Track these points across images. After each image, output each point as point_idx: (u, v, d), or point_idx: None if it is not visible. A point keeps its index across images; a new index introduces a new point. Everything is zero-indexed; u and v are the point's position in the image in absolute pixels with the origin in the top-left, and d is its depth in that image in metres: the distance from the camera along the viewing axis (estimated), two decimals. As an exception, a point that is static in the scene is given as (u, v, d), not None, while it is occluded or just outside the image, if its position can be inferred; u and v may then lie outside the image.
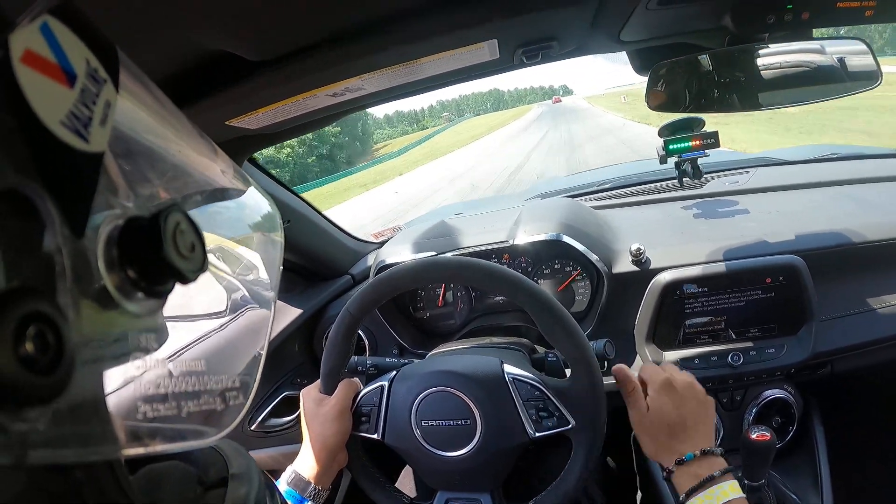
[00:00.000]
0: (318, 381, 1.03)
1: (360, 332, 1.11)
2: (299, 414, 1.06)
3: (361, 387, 1.03)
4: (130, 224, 0.29)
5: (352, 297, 0.98)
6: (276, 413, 1.46)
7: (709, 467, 0.84)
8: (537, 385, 0.94)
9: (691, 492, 0.83)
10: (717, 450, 0.87)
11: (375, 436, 0.99)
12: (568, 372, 0.96)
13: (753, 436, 1.11)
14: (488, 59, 0.91)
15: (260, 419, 1.42)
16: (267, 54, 0.78)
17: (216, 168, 0.42)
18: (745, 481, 1.18)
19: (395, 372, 1.02)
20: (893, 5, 0.87)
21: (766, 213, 1.45)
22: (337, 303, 1.59)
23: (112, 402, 0.28)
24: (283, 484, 0.95)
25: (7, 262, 0.22)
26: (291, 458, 1.44)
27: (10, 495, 0.23)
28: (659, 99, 1.01)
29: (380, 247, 1.77)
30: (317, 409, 0.99)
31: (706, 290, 1.25)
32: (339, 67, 0.82)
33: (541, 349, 1.17)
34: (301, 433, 1.02)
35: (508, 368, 0.96)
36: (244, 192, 0.48)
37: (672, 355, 1.27)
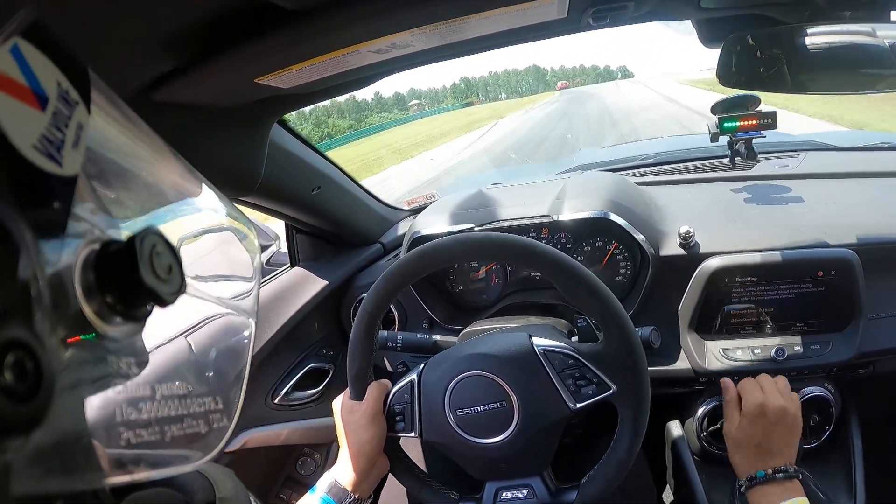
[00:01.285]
0: (348, 389, 0.99)
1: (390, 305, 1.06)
2: (323, 389, 1.02)
3: (391, 386, 0.99)
4: (106, 248, 0.29)
5: (367, 294, 0.95)
6: (300, 386, 1.41)
7: (781, 493, 0.92)
8: (570, 353, 0.91)
9: None
10: (791, 468, 0.93)
11: (412, 434, 0.96)
12: (601, 336, 0.92)
13: None
14: (553, 19, 0.83)
15: (284, 392, 1.38)
16: (306, 2, 0.69)
17: (191, 188, 0.42)
18: None
19: (422, 365, 0.98)
20: None
21: (819, 201, 1.38)
22: (366, 273, 1.55)
23: (94, 429, 0.28)
24: (320, 492, 0.92)
25: None
26: (315, 432, 1.40)
27: None
28: (729, 73, 0.93)
29: (411, 214, 1.73)
30: (349, 416, 0.97)
31: (755, 279, 1.19)
32: (387, 20, 0.73)
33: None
34: (326, 406, 1.01)
35: (538, 341, 0.92)
36: (222, 210, 0.47)
37: (713, 345, 1.22)
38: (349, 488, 0.92)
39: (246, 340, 0.47)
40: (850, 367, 1.24)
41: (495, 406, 0.90)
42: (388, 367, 1.41)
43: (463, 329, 1.17)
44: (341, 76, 0.92)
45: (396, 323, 1.43)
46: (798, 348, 1.18)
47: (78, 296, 0.27)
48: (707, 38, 0.99)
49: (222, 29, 0.70)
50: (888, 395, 1.57)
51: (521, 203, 1.38)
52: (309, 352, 1.46)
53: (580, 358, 0.89)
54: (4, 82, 0.24)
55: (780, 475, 0.93)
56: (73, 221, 0.27)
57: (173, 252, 0.31)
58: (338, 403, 1.01)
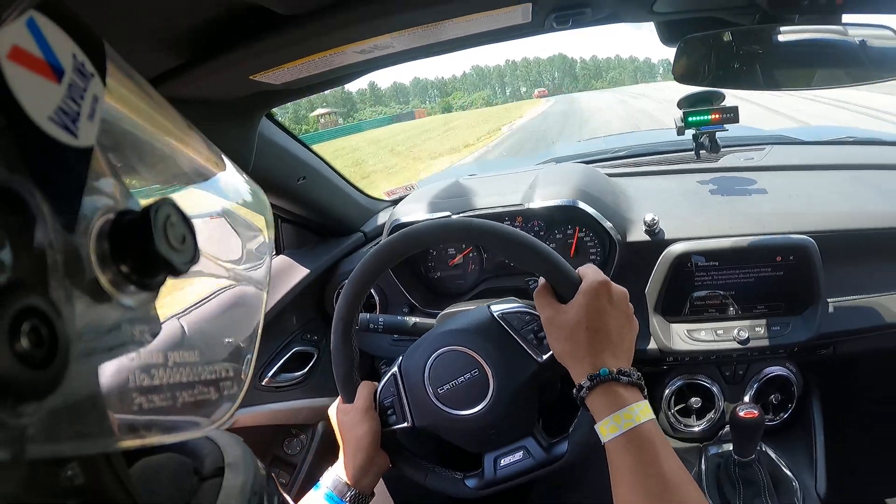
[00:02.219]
0: (340, 395, 1.03)
1: (371, 290, 1.12)
2: (308, 371, 1.05)
3: (377, 384, 1.04)
4: (121, 218, 0.29)
5: (339, 301, 0.98)
6: (286, 368, 1.48)
7: (628, 396, 0.75)
8: (525, 311, 0.96)
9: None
10: (635, 373, 0.77)
11: (406, 424, 1.00)
12: None
13: (742, 413, 1.16)
14: (519, 23, 0.91)
15: (271, 374, 1.45)
16: (298, 8, 0.77)
17: (206, 159, 0.43)
18: (735, 456, 1.24)
19: (400, 357, 1.03)
20: None
21: (780, 191, 1.46)
22: (348, 259, 1.61)
23: (107, 394, 0.28)
24: (323, 488, 0.95)
25: None
26: (301, 413, 1.47)
27: (10, 490, 0.24)
28: (685, 71, 1.01)
29: (392, 205, 1.79)
30: (344, 417, 1.00)
31: (717, 263, 1.27)
32: (370, 24, 0.82)
33: None
34: (311, 388, 1.02)
35: (495, 307, 0.98)
36: (234, 181, 0.48)
37: (679, 326, 1.30)
38: (351, 482, 0.95)
39: (257, 310, 0.48)
40: (811, 348, 1.32)
41: (470, 376, 0.95)
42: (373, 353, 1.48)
43: (440, 313, 1.24)
44: (328, 73, 1.00)
45: (378, 307, 1.50)
46: (759, 329, 1.27)
47: (93, 264, 0.28)
48: (666, 39, 1.07)
49: (222, 30, 0.78)
50: (848, 375, 1.67)
51: (495, 192, 1.45)
52: (294, 336, 1.52)
53: (535, 313, 0.93)
54: (20, 55, 0.24)
55: (625, 378, 0.76)
56: (88, 192, 0.28)
57: (187, 222, 0.31)
58: (333, 410, 1.04)
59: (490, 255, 1.47)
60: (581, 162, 1.79)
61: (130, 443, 0.30)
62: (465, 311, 1.05)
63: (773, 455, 1.31)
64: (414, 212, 1.42)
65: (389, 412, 1.00)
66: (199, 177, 0.43)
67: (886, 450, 1.72)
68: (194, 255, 0.31)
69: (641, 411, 0.73)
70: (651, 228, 1.31)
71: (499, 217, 1.39)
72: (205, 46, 0.80)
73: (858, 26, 0.97)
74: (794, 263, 1.25)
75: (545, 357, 0.93)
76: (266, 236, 0.51)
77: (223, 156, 0.45)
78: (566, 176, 1.45)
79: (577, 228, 1.40)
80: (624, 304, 0.83)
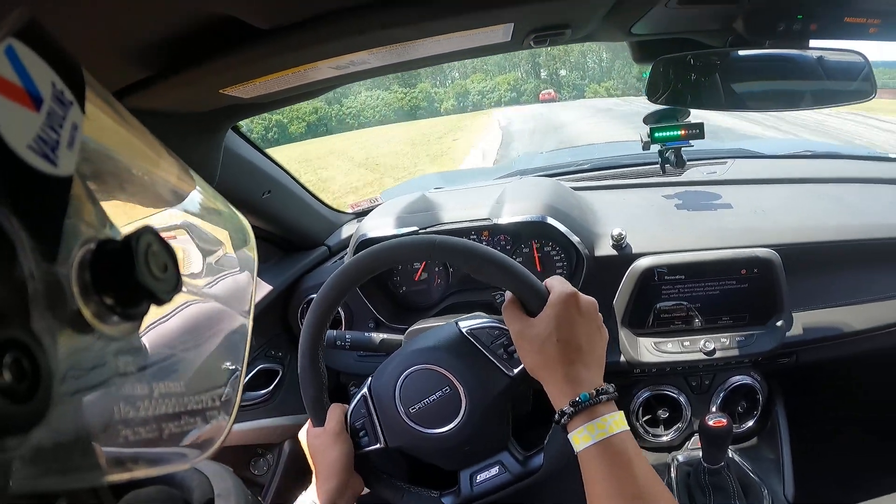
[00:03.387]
0: (310, 420, 1.03)
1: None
2: (273, 389, 1.04)
3: (348, 406, 1.03)
4: (102, 247, 0.29)
5: (305, 323, 0.97)
6: (251, 386, 1.47)
7: (602, 409, 0.75)
8: (494, 325, 0.97)
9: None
10: (611, 388, 0.77)
11: (378, 445, 1.00)
12: None
13: (711, 422, 1.20)
14: (498, 42, 0.93)
15: None
16: (276, 21, 0.76)
17: (186, 186, 0.43)
18: (705, 464, 1.27)
19: (369, 378, 1.03)
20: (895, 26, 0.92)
21: (744, 205, 1.52)
22: (312, 274, 1.61)
23: (93, 427, 0.28)
24: None
25: None
26: (267, 432, 1.45)
27: None
28: (659, 90, 1.05)
29: (356, 218, 1.79)
30: (315, 441, 0.99)
31: (683, 277, 1.31)
32: (349, 40, 0.82)
33: None
34: (276, 406, 1.00)
35: (463, 324, 0.98)
36: (215, 208, 0.48)
37: (646, 339, 1.34)
38: None
39: (243, 337, 0.48)
40: (775, 357, 1.38)
41: (441, 394, 0.95)
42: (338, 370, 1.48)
43: (408, 328, 1.24)
44: (300, 87, 1.00)
45: (343, 323, 1.49)
46: (725, 340, 1.32)
47: (75, 295, 0.28)
48: (639, 57, 1.11)
49: (194, 42, 0.76)
50: (811, 383, 1.75)
51: (462, 206, 1.47)
52: (258, 353, 1.51)
53: (504, 328, 0.94)
54: None
55: (605, 397, 0.76)
56: (68, 221, 0.28)
57: (169, 251, 0.32)
58: (303, 434, 1.03)
59: (455, 270, 1.49)
60: (546, 175, 1.81)
61: (117, 476, 0.30)
62: (433, 329, 1.05)
63: (740, 462, 1.36)
64: (380, 227, 1.42)
65: (361, 434, 1.00)
66: (179, 202, 0.43)
67: (850, 453, 1.80)
68: (177, 284, 0.32)
69: (615, 422, 0.74)
70: (618, 243, 1.35)
71: (466, 232, 1.40)
72: (175, 59, 0.79)
73: (830, 51, 1.03)
74: (758, 276, 1.30)
75: (516, 371, 0.93)
76: (248, 261, 0.51)
77: (201, 180, 0.45)
78: (534, 191, 1.48)
79: (543, 243, 1.43)
80: (593, 314, 0.83)
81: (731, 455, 1.36)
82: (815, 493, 1.48)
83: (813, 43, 0.98)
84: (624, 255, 1.35)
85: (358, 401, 1.01)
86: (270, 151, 1.40)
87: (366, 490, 1.01)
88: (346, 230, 1.75)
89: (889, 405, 1.91)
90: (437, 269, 1.49)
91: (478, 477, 0.99)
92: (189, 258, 0.44)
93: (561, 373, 0.78)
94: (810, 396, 1.71)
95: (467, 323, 0.98)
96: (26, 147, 0.25)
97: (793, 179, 1.67)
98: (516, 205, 1.40)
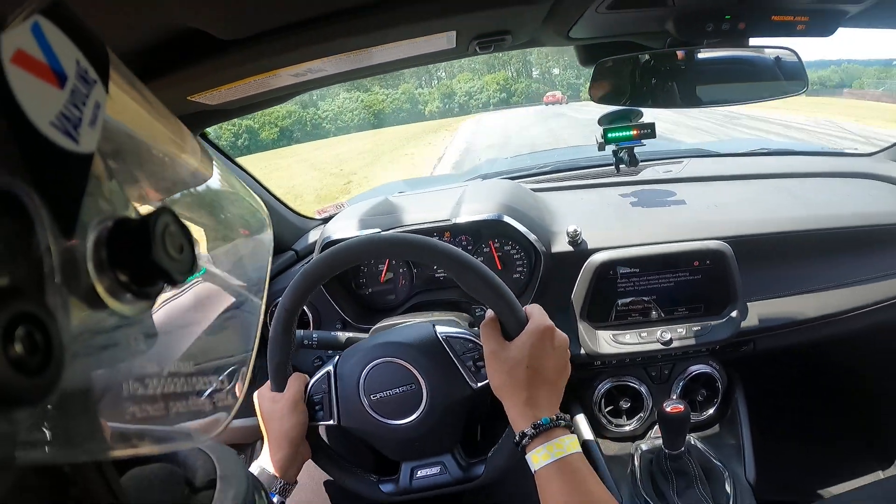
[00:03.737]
0: (269, 382, 1.06)
1: (304, 307, 1.15)
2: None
3: (309, 378, 1.07)
4: (120, 226, 0.29)
5: (284, 293, 1.01)
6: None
7: (558, 432, 0.84)
8: (469, 338, 1.02)
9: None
10: (567, 417, 0.86)
11: (332, 421, 1.04)
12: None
13: (668, 409, 1.24)
14: (444, 49, 0.99)
15: None
16: (237, 33, 0.83)
17: (205, 168, 0.43)
18: (666, 450, 1.32)
19: (337, 357, 1.07)
20: (822, 22, 0.99)
21: (697, 201, 1.59)
22: (281, 278, 1.64)
23: (100, 402, 0.28)
24: None
25: None
26: (238, 433, 1.48)
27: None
28: (602, 91, 1.11)
29: (323, 223, 1.84)
30: (272, 406, 1.02)
31: (638, 270, 1.37)
32: (305, 49, 0.88)
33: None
34: (248, 407, 1.02)
35: (440, 329, 1.04)
36: (232, 191, 0.49)
37: (605, 332, 1.39)
38: (278, 474, 0.97)
39: (254, 320, 0.48)
40: (732, 346, 1.45)
41: (405, 389, 1.01)
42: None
43: (373, 327, 1.29)
44: (263, 94, 1.06)
45: (311, 324, 1.53)
46: (681, 330, 1.38)
47: (90, 272, 0.27)
48: (583, 61, 1.17)
49: (161, 52, 0.82)
50: (769, 371, 1.83)
51: (423, 209, 1.52)
52: None
53: (478, 342, 0.99)
54: (24, 59, 0.24)
55: (563, 423, 0.85)
56: (87, 198, 0.28)
57: (186, 232, 0.32)
58: (260, 396, 1.06)
59: (420, 271, 1.53)
60: (507, 178, 1.87)
61: (122, 452, 0.30)
62: (409, 326, 1.10)
63: (702, 447, 1.41)
64: (345, 229, 1.46)
65: (317, 408, 1.04)
66: (198, 184, 0.44)
67: (808, 436, 1.91)
68: (192, 265, 0.32)
69: (570, 444, 0.82)
70: (574, 239, 1.41)
71: (428, 233, 1.44)
72: (143, 68, 0.84)
73: (764, 48, 1.10)
74: (712, 267, 1.36)
75: (479, 385, 0.99)
76: (263, 244, 0.51)
77: (220, 163, 0.45)
78: (492, 192, 1.53)
79: (503, 242, 1.48)
80: (564, 349, 0.91)
81: (692, 442, 1.41)
82: (775, 476, 1.54)
83: (753, 41, 1.05)
84: (580, 251, 1.40)
85: (321, 376, 1.06)
86: (241, 160, 1.43)
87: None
88: (313, 235, 1.79)
89: (843, 390, 2.00)
90: (401, 269, 1.53)
91: (418, 472, 1.05)
92: (205, 239, 0.43)
93: (524, 397, 0.86)
94: (769, 383, 1.78)
95: (444, 329, 1.03)
96: (49, 123, 0.25)
97: (746, 176, 1.75)
98: (474, 205, 1.45)
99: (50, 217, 0.25)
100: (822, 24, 1.01)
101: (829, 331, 1.50)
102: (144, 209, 0.31)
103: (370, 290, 1.55)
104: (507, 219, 1.39)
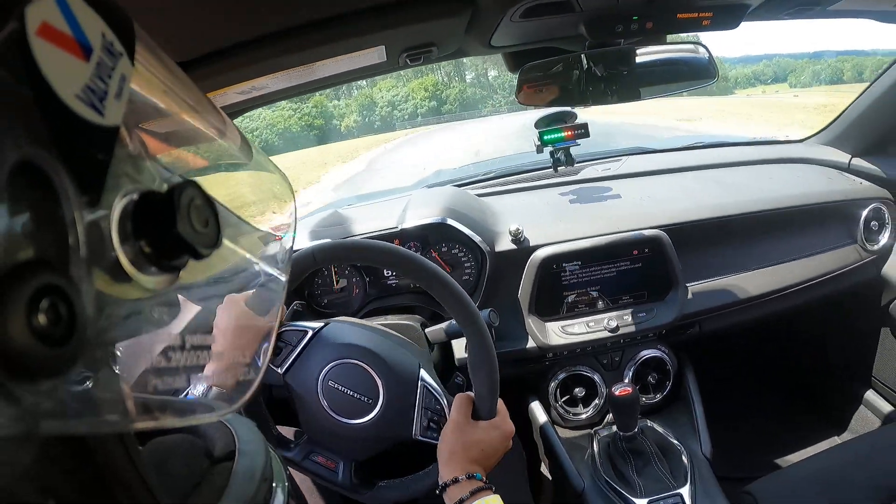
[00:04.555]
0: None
1: None
2: None
3: (286, 321, 1.10)
4: (145, 199, 0.29)
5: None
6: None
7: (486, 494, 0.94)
8: (440, 399, 1.09)
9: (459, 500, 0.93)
10: (493, 487, 0.96)
11: (279, 369, 1.09)
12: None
13: (617, 392, 1.34)
14: (377, 62, 1.10)
15: None
16: (184, 56, 0.91)
17: (230, 141, 0.43)
18: (620, 432, 1.42)
19: (323, 324, 1.12)
20: (726, 17, 1.10)
21: (634, 195, 1.71)
22: None
23: (123, 374, 0.29)
24: None
25: (21, 235, 0.23)
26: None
27: (22, 465, 0.24)
28: (527, 95, 1.21)
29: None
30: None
31: (580, 263, 1.48)
32: (248, 68, 0.97)
33: (432, 324, 1.32)
34: None
35: (424, 374, 1.10)
36: (256, 164, 0.49)
37: (554, 324, 1.49)
38: None
39: (276, 296, 0.49)
40: (678, 329, 1.56)
41: (362, 398, 1.07)
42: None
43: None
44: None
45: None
46: (627, 318, 1.49)
47: (115, 245, 0.28)
48: (511, 67, 1.28)
49: None
50: (717, 351, 1.96)
51: (372, 218, 1.60)
52: None
53: (446, 408, 1.07)
54: (49, 32, 0.24)
55: (493, 489, 0.95)
56: (113, 171, 0.28)
57: (211, 206, 0.32)
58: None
59: (373, 279, 1.59)
60: (451, 186, 1.95)
61: (144, 424, 0.31)
62: (396, 347, 1.14)
63: (658, 428, 1.50)
64: (298, 241, 1.52)
65: (280, 350, 1.10)
66: (224, 158, 0.44)
67: (761, 412, 2.05)
68: (217, 239, 0.32)
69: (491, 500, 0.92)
70: (516, 237, 1.51)
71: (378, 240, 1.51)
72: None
73: (677, 44, 1.21)
74: (651, 255, 1.48)
75: (418, 437, 1.07)
76: (287, 219, 0.52)
77: (247, 138, 0.46)
78: (435, 198, 1.63)
79: (451, 246, 1.56)
80: (509, 447, 1.04)
81: (648, 423, 1.50)
82: (732, 453, 1.64)
83: (671, 38, 1.17)
84: (523, 249, 1.50)
85: (298, 329, 1.12)
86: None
87: None
88: None
89: (791, 365, 2.15)
90: (354, 279, 1.59)
91: (316, 457, 1.13)
92: (229, 214, 0.42)
93: (463, 466, 0.97)
94: (719, 363, 1.91)
95: (427, 378, 1.10)
96: (74, 96, 0.25)
97: (680, 168, 1.89)
98: (419, 210, 1.54)
99: (75, 189, 0.25)
100: (726, 19, 1.11)
101: (771, 308, 1.62)
102: (170, 183, 0.31)
103: (325, 299, 1.60)
104: (450, 221, 1.48)
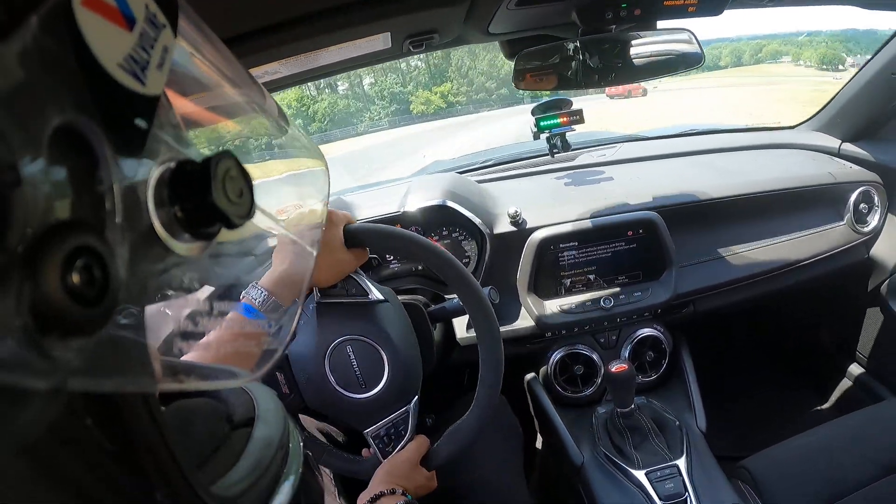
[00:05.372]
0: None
1: None
2: None
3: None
4: (181, 167, 0.30)
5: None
6: None
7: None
8: (408, 428, 1.15)
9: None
10: (406, 495, 1.05)
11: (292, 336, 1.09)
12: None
13: (613, 369, 1.42)
14: (382, 49, 1.18)
15: None
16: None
17: (267, 114, 0.44)
18: (617, 409, 1.50)
19: (384, 299, 1.14)
20: (710, 4, 1.17)
21: (629, 179, 1.80)
22: None
23: (152, 337, 0.29)
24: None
25: (60, 195, 0.24)
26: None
27: (51, 417, 0.25)
28: (523, 81, 1.29)
29: None
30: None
31: (576, 244, 1.56)
32: (262, 54, 1.04)
33: (435, 304, 1.37)
34: None
35: (416, 400, 1.15)
36: (292, 138, 0.50)
37: (552, 303, 1.58)
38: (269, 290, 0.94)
39: (305, 269, 0.50)
40: (673, 308, 1.64)
41: (360, 380, 1.11)
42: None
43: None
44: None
45: None
46: (623, 297, 1.57)
47: (150, 210, 0.29)
48: (508, 55, 1.37)
49: None
50: (712, 330, 2.05)
51: (374, 203, 1.68)
52: None
53: (408, 435, 1.14)
54: (94, 2, 0.25)
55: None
56: (152, 139, 0.29)
57: (246, 178, 0.33)
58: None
59: (376, 268, 1.65)
60: (452, 172, 2.04)
61: (169, 385, 0.32)
62: (418, 364, 1.19)
63: (655, 404, 1.58)
64: None
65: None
66: (262, 132, 0.46)
67: (751, 388, 2.15)
68: (250, 210, 0.33)
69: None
70: (515, 219, 1.59)
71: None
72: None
73: (665, 31, 1.29)
74: (645, 235, 1.56)
75: (369, 436, 1.14)
76: (321, 195, 0.53)
77: (282, 110, 0.47)
78: (435, 183, 1.71)
79: (451, 230, 1.64)
80: (418, 496, 1.11)
81: (646, 400, 1.58)
82: (724, 422, 1.72)
83: (661, 24, 1.24)
84: (521, 231, 1.58)
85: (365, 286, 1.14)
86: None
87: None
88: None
89: (785, 344, 2.24)
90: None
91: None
92: (265, 186, 0.41)
93: (395, 485, 1.05)
94: (714, 342, 1.99)
95: (416, 405, 1.16)
96: (117, 65, 0.26)
97: (673, 154, 1.98)
98: (420, 194, 1.62)
99: (115, 155, 0.26)
100: (710, 5, 1.18)
101: (764, 288, 1.70)
102: (207, 152, 0.32)
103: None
104: (450, 203, 1.56)
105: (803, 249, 1.71)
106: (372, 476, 1.10)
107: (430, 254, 1.06)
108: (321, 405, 1.14)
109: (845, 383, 2.06)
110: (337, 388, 1.11)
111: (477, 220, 1.57)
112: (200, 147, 0.34)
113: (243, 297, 0.93)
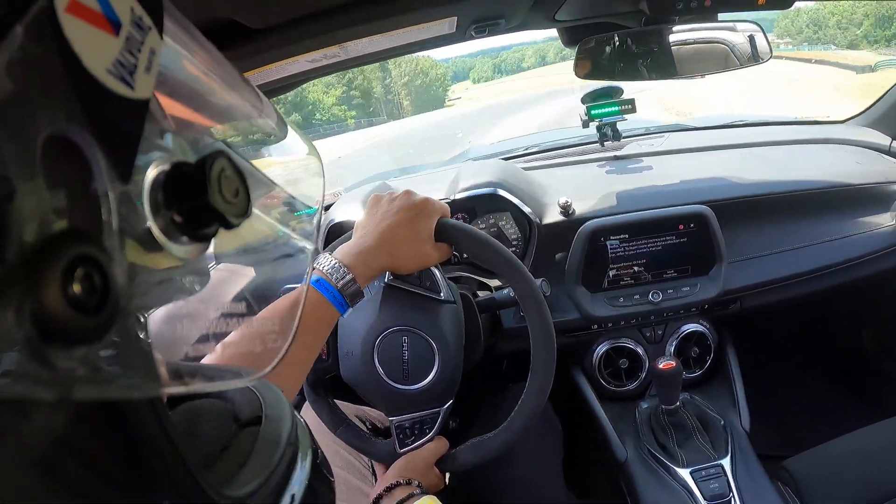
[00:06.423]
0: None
1: None
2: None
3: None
4: (176, 169, 0.31)
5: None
6: None
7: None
8: (434, 425, 1.17)
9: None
10: (420, 488, 1.06)
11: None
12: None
13: (661, 365, 1.42)
14: (445, 33, 1.19)
15: None
16: (266, 22, 0.99)
17: (259, 114, 0.45)
18: (662, 406, 1.51)
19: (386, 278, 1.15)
20: None
21: (678, 170, 1.79)
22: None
23: (155, 341, 0.30)
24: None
25: (56, 207, 0.24)
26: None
27: (57, 427, 0.25)
28: (585, 68, 1.31)
29: (323, 210, 1.99)
30: (417, 217, 1.09)
31: (627, 236, 1.56)
32: (325, 36, 1.05)
33: (483, 293, 1.41)
34: None
35: (450, 402, 1.18)
36: (286, 137, 0.50)
37: (600, 295, 1.58)
38: (348, 267, 0.96)
39: (305, 265, 0.51)
40: (720, 304, 1.64)
41: (407, 371, 1.13)
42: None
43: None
44: (278, 80, 1.24)
45: None
46: (671, 291, 1.57)
47: (146, 215, 0.29)
48: (566, 42, 1.38)
49: None
50: (758, 328, 2.06)
51: (423, 189, 1.64)
52: None
53: (429, 431, 1.16)
54: (78, 8, 0.25)
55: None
56: (143, 143, 0.29)
57: (241, 176, 0.33)
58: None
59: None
60: (498, 158, 2.05)
61: (175, 389, 0.33)
62: (460, 372, 1.20)
63: (699, 401, 1.58)
64: (347, 212, 1.61)
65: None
66: (257, 132, 0.47)
67: (794, 388, 2.15)
68: (247, 210, 0.33)
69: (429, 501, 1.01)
70: (566, 210, 1.59)
71: None
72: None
73: (731, 22, 1.29)
74: (695, 230, 1.56)
75: (394, 423, 1.16)
76: (317, 189, 0.53)
77: (277, 111, 0.47)
78: (485, 169, 1.72)
79: (498, 217, 1.65)
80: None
81: (690, 397, 1.58)
82: (769, 421, 1.72)
83: (722, 16, 1.23)
84: (571, 221, 1.58)
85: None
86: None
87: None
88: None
89: (832, 345, 2.24)
90: None
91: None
92: (260, 184, 0.43)
93: (409, 478, 1.08)
94: (760, 340, 2.00)
95: (449, 406, 1.18)
96: (105, 71, 0.26)
97: (724, 146, 1.97)
98: (469, 181, 1.63)
99: (107, 162, 0.27)
100: None
101: (811, 287, 1.69)
102: (200, 153, 0.32)
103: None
104: (501, 192, 1.57)
105: (852, 248, 1.70)
106: (379, 459, 1.16)
107: (510, 269, 1.10)
108: (356, 382, 1.17)
109: (890, 387, 2.06)
110: (380, 372, 1.13)
111: (527, 210, 1.58)
112: (193, 148, 0.35)
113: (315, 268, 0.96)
